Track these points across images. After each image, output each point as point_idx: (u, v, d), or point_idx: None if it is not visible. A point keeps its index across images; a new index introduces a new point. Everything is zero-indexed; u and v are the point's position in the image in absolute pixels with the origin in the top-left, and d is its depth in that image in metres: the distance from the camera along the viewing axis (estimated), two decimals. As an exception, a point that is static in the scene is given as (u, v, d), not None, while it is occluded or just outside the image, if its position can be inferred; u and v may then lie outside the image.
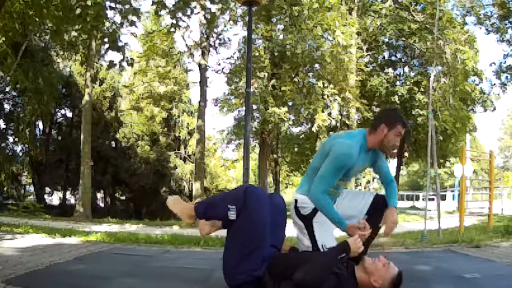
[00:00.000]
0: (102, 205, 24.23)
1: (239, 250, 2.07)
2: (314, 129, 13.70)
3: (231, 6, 12.42)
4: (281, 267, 2.03)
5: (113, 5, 5.95)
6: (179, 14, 6.07)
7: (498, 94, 18.04)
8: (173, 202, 2.40)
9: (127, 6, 5.91)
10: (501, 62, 16.72)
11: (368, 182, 54.14)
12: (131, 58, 7.03)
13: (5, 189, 17.62)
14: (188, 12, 6.16)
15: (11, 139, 18.57)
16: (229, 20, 14.43)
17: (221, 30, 15.02)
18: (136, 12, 5.99)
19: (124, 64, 6.71)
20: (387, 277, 1.99)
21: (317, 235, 2.45)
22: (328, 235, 2.48)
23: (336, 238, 2.63)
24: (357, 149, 2.40)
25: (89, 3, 5.73)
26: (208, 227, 2.33)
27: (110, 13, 6.11)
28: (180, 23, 6.35)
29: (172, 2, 6.18)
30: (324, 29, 12.81)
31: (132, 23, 6.12)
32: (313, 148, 17.08)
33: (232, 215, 2.09)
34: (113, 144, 22.64)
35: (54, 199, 23.38)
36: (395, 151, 2.57)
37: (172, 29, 6.86)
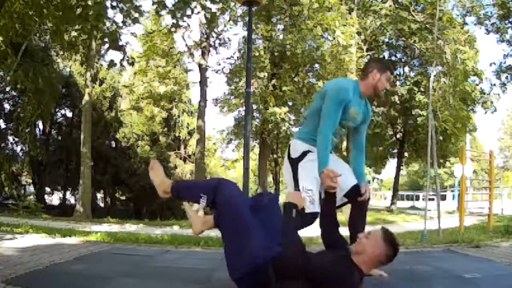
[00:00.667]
0: (102, 205, 24.23)
1: (230, 244, 2.11)
2: None
3: (231, 6, 12.42)
4: (282, 268, 2.03)
5: (114, 3, 5.96)
6: (179, 14, 6.06)
7: (498, 94, 18.06)
8: (155, 173, 2.46)
9: (128, 5, 5.91)
10: (501, 62, 16.74)
11: (368, 182, 54.15)
12: (131, 58, 7.03)
13: (6, 189, 17.59)
14: (189, 12, 6.16)
15: (11, 139, 18.58)
16: (229, 20, 14.44)
17: (221, 30, 15.02)
18: (138, 9, 5.99)
19: (125, 63, 6.72)
20: (377, 242, 2.04)
21: (300, 177, 2.57)
22: (309, 178, 2.55)
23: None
24: (351, 86, 2.61)
25: (89, 2, 5.73)
26: (199, 225, 2.35)
27: (110, 13, 6.12)
28: (180, 22, 6.36)
29: (172, 2, 6.19)
30: (324, 29, 12.81)
31: (135, 21, 6.12)
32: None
33: (203, 202, 2.20)
34: (113, 144, 22.63)
35: (54, 199, 23.36)
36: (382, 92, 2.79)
37: (173, 29, 6.87)
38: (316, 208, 2.54)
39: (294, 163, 2.63)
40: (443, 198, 22.80)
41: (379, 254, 2.02)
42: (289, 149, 2.71)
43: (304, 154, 2.62)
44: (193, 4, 6.17)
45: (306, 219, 2.48)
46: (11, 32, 10.13)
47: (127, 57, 6.78)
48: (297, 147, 2.67)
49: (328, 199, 2.54)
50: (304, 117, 2.92)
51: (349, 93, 2.55)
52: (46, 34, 14.66)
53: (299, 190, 2.53)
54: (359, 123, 2.76)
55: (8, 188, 18.17)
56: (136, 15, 5.99)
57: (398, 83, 18.24)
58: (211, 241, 4.50)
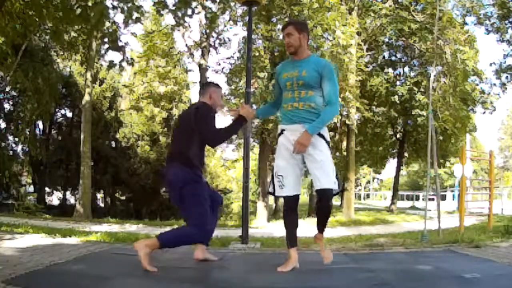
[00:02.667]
0: (102, 205, 24.22)
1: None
2: None
3: (231, 6, 12.43)
4: None
5: (115, 3, 5.95)
6: (180, 14, 6.06)
7: (498, 94, 18.06)
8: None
9: (129, 5, 5.91)
10: (501, 62, 16.72)
11: (368, 182, 54.16)
12: (131, 58, 7.03)
13: (12, 190, 17.55)
14: (189, 12, 6.16)
15: (11, 139, 18.57)
16: (229, 20, 14.44)
17: (221, 30, 15.03)
18: (140, 9, 5.98)
19: (124, 64, 6.72)
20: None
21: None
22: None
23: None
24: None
25: (90, 3, 5.72)
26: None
27: (110, 12, 6.10)
28: (181, 22, 6.35)
29: (173, 2, 6.19)
30: (324, 29, 12.80)
31: (137, 20, 6.12)
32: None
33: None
34: (113, 144, 22.63)
35: (54, 199, 23.35)
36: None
37: (172, 29, 6.87)
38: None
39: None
40: (443, 198, 22.82)
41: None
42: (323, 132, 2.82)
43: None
44: (194, 4, 6.16)
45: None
46: (11, 32, 10.12)
47: (127, 57, 6.78)
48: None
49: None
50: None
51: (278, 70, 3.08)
52: (46, 34, 14.65)
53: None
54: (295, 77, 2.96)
55: (15, 188, 18.11)
56: (137, 15, 5.99)
57: (398, 83, 18.25)
58: (211, 241, 4.50)
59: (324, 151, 2.77)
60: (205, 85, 3.37)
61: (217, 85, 3.33)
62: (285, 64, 3.04)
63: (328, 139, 2.85)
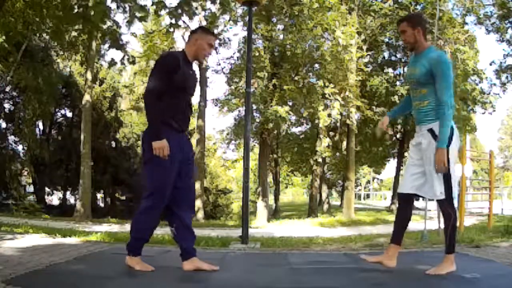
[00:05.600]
0: (102, 205, 24.20)
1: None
2: (321, 125, 13.74)
3: (231, 6, 12.42)
4: None
5: (118, 3, 5.92)
6: (179, 11, 6.04)
7: (498, 94, 18.06)
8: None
9: (132, 4, 5.88)
10: (501, 62, 16.72)
11: (368, 182, 54.16)
12: (132, 56, 7.02)
13: (14, 191, 17.56)
14: (191, 12, 6.13)
15: (11, 139, 18.56)
16: (229, 20, 14.44)
17: (221, 30, 15.03)
18: (144, 9, 5.96)
19: (126, 62, 6.70)
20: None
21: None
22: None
23: None
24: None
25: (90, 3, 5.70)
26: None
27: (113, 12, 6.08)
28: (180, 22, 6.34)
29: (172, 2, 6.17)
30: (324, 29, 12.82)
31: (142, 19, 6.09)
32: (313, 148, 17.09)
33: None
34: (113, 144, 22.61)
35: (54, 199, 23.36)
36: None
37: (171, 29, 6.84)
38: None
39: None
40: (443, 198, 22.75)
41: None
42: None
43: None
44: (194, 4, 6.14)
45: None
46: (11, 32, 10.12)
47: (128, 55, 6.77)
48: None
49: None
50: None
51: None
52: (46, 34, 14.66)
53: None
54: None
55: (16, 188, 18.11)
56: (141, 14, 5.96)
57: (398, 83, 18.25)
58: (211, 241, 4.51)
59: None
60: (192, 29, 2.93)
61: (206, 30, 2.91)
62: (410, 60, 2.92)
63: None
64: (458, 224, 2.78)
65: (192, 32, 2.85)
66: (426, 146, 2.66)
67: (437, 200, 2.75)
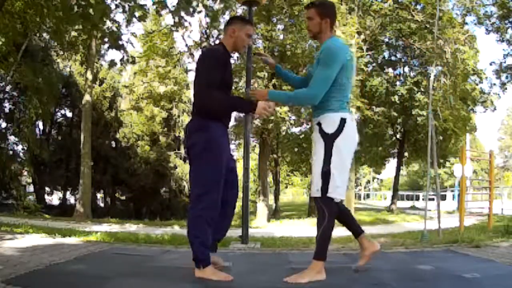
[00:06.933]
0: (102, 205, 24.22)
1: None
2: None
3: (232, 6, 12.42)
4: None
5: (117, 2, 5.92)
6: (182, 14, 6.04)
7: (498, 94, 18.07)
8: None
9: (132, 3, 5.88)
10: (501, 62, 16.73)
11: (368, 182, 54.16)
12: (132, 56, 7.02)
13: (14, 191, 17.57)
14: (191, 10, 6.13)
15: (11, 138, 18.56)
16: (229, 20, 14.41)
17: (221, 30, 15.01)
18: (143, 8, 5.96)
19: (126, 62, 6.70)
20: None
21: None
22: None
23: None
24: None
25: (91, 0, 5.70)
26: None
27: (113, 11, 6.08)
28: (182, 21, 6.33)
29: (172, 2, 6.18)
30: (324, 29, 12.80)
31: (141, 18, 6.08)
32: (313, 148, 17.06)
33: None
34: (113, 144, 22.64)
35: (54, 199, 23.36)
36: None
37: (174, 28, 6.84)
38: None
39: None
40: (443, 198, 22.81)
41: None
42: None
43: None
44: (194, 3, 6.14)
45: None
46: (11, 32, 10.13)
47: (128, 55, 6.77)
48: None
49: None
50: None
51: None
52: (47, 34, 14.67)
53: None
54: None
55: (16, 189, 18.12)
56: (140, 13, 5.95)
57: (398, 83, 18.26)
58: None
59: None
60: (228, 20, 2.78)
61: (243, 19, 2.77)
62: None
63: (330, 131, 2.46)
64: (332, 226, 2.49)
65: (228, 23, 2.71)
66: (315, 139, 2.53)
67: (313, 198, 2.52)
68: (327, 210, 2.45)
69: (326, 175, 2.43)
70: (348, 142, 2.48)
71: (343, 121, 2.45)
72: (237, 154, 21.10)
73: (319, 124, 2.51)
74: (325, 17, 2.54)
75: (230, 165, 2.69)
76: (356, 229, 2.78)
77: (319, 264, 2.49)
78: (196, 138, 2.54)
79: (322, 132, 2.48)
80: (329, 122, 2.46)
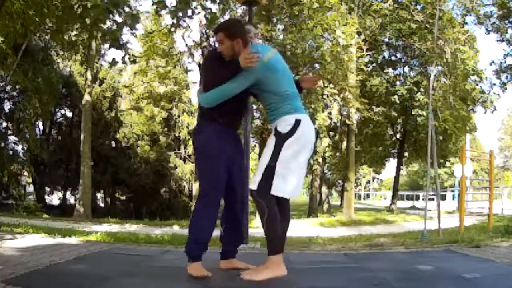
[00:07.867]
0: (102, 205, 24.23)
1: None
2: (316, 125, 13.72)
3: (231, 6, 12.42)
4: None
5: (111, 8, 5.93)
6: (180, 14, 6.04)
7: (498, 94, 18.07)
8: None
9: (127, 9, 5.89)
10: (501, 62, 16.74)
11: (368, 182, 54.16)
12: (133, 55, 7.02)
13: (14, 191, 17.57)
14: (189, 13, 6.14)
15: (11, 138, 18.56)
16: (229, 20, 14.42)
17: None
18: (135, 17, 5.98)
19: (127, 60, 6.70)
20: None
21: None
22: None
23: None
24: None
25: (88, 5, 5.70)
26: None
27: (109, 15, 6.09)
28: (181, 22, 6.34)
29: (172, 2, 6.17)
30: (324, 29, 12.80)
31: (132, 27, 6.11)
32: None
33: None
34: (113, 144, 22.65)
35: (54, 199, 23.37)
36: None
37: (173, 29, 6.85)
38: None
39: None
40: (443, 198, 22.83)
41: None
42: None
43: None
44: (194, 4, 6.15)
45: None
46: (11, 32, 10.13)
47: (128, 54, 6.77)
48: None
49: None
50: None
51: None
52: (46, 34, 14.67)
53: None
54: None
55: (15, 188, 18.12)
56: (131, 22, 5.96)
57: (398, 83, 18.26)
58: (211, 240, 4.49)
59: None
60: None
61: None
62: None
63: (283, 131, 2.46)
64: (273, 220, 2.44)
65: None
66: (269, 139, 2.55)
67: (250, 191, 2.51)
68: (266, 203, 2.43)
69: (270, 170, 2.43)
70: (300, 142, 2.48)
71: (297, 122, 2.46)
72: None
73: (275, 128, 2.52)
74: (235, 38, 2.49)
75: (237, 163, 2.70)
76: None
77: (275, 259, 2.45)
78: (193, 140, 2.75)
79: (276, 131, 2.50)
80: (284, 124, 2.47)
